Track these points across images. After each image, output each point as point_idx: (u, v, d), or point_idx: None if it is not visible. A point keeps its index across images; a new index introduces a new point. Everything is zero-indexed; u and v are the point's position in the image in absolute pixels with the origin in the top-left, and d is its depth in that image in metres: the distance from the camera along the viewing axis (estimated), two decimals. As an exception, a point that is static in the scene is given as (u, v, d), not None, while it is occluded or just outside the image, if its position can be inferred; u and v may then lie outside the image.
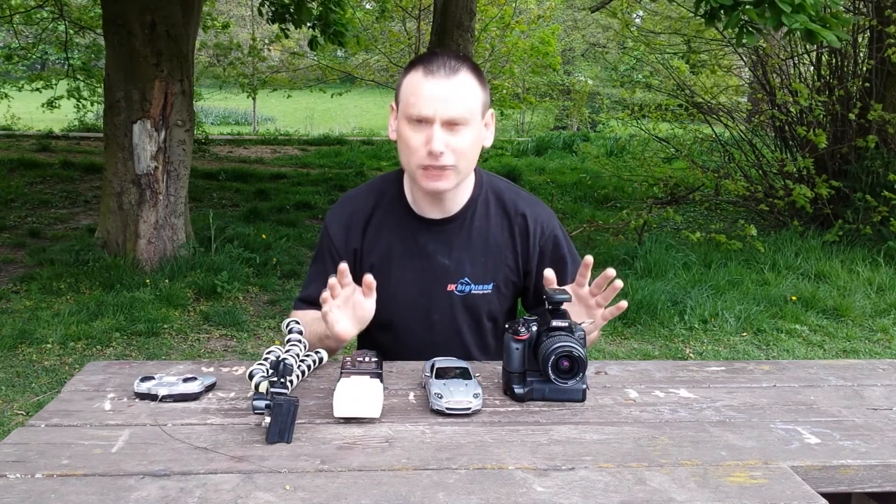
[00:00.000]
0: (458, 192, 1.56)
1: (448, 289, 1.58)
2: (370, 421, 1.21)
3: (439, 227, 1.58)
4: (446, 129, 1.43)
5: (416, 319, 1.59)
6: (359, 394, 1.20)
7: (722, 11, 3.69)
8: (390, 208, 1.59)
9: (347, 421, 1.21)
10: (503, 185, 1.65)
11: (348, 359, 1.35)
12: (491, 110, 1.55)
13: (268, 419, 1.13)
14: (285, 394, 1.18)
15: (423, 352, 1.56)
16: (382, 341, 1.65)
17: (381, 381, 1.28)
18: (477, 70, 1.49)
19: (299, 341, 1.39)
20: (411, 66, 1.49)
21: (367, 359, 1.34)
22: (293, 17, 6.19)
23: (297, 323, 1.43)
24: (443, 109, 1.42)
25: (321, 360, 1.45)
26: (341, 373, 1.29)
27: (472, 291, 1.58)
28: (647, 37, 8.90)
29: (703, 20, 3.89)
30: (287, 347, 1.32)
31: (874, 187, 6.51)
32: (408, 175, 1.55)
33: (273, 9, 6.33)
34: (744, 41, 3.54)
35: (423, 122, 1.43)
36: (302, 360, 1.37)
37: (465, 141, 1.45)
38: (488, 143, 1.55)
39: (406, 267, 1.58)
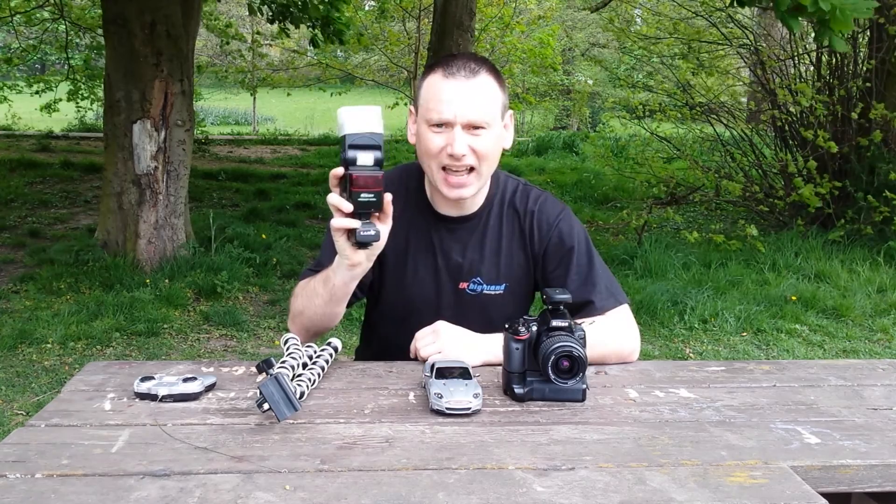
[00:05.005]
0: (477, 193, 1.57)
1: (460, 287, 1.58)
2: (370, 421, 1.21)
3: (456, 225, 1.58)
4: (467, 131, 1.43)
5: (426, 315, 1.59)
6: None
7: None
8: (409, 202, 1.59)
9: (347, 421, 1.21)
10: (516, 184, 1.66)
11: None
12: (510, 112, 1.55)
13: (266, 405, 1.15)
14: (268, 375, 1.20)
15: None
16: (389, 336, 1.66)
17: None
18: (496, 72, 1.49)
19: (297, 349, 1.39)
20: (430, 69, 1.48)
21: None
22: (294, 15, 6.19)
23: (295, 339, 1.43)
24: (463, 112, 1.42)
25: (330, 357, 1.45)
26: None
27: (484, 291, 1.58)
28: (647, 39, 8.89)
29: (705, 19, 3.88)
30: (283, 358, 1.34)
31: (877, 187, 6.50)
32: (429, 180, 1.55)
33: (273, 7, 6.33)
34: (789, 29, 3.50)
35: (443, 125, 1.44)
36: (311, 366, 1.38)
37: (487, 143, 1.45)
38: (507, 144, 1.55)
39: (420, 262, 1.58)
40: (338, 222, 1.29)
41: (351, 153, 1.24)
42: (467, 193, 1.49)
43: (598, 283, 1.57)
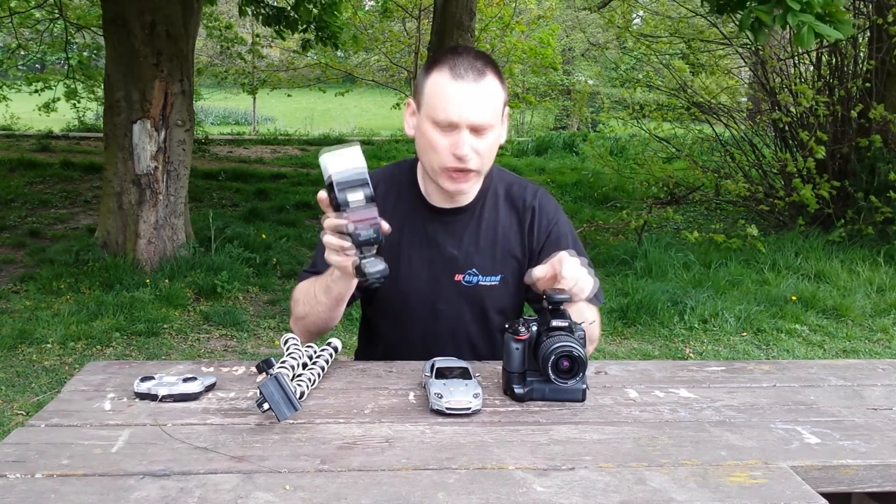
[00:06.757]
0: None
1: (455, 279, 1.58)
2: (370, 421, 1.21)
3: (449, 217, 1.59)
4: (472, 133, 1.44)
5: (421, 308, 1.59)
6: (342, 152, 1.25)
7: (728, 7, 3.68)
8: (402, 196, 1.60)
9: (347, 421, 1.21)
10: (512, 178, 1.67)
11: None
12: (507, 107, 1.56)
13: (266, 405, 1.15)
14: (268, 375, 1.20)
15: (426, 342, 1.58)
16: (386, 330, 1.66)
17: None
18: (497, 69, 1.50)
19: (297, 349, 1.40)
20: (435, 64, 1.47)
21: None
22: (289, 18, 6.19)
23: (295, 339, 1.44)
24: (470, 116, 1.43)
25: (330, 357, 1.45)
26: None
27: (480, 283, 1.59)
28: (647, 39, 8.89)
29: (705, 18, 3.89)
30: (283, 358, 1.34)
31: (878, 187, 6.50)
32: (426, 171, 1.55)
33: (267, 11, 6.34)
34: (753, 40, 3.53)
35: (450, 126, 1.44)
36: (311, 366, 1.38)
37: (488, 144, 1.47)
38: (503, 139, 1.56)
39: (414, 255, 1.59)
40: (344, 262, 1.30)
41: (341, 196, 1.25)
42: (466, 188, 1.51)
43: None
